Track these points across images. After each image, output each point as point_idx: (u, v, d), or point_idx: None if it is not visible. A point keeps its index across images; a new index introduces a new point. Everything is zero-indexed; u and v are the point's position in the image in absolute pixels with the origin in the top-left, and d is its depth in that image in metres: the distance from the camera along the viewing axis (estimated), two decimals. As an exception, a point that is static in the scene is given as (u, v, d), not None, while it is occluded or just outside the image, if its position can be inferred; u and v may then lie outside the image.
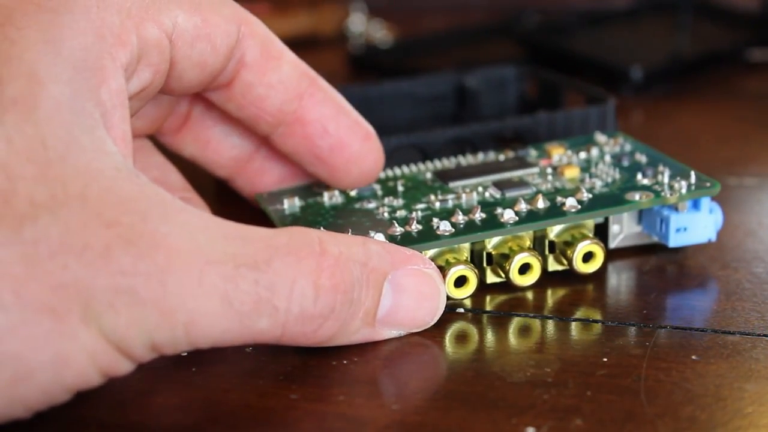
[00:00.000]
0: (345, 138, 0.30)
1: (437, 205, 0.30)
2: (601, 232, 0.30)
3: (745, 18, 0.56)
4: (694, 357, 0.25)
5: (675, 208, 0.29)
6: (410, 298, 0.26)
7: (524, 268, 0.28)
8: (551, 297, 0.28)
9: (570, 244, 0.28)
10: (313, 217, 0.30)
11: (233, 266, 0.22)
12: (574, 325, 0.27)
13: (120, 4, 0.24)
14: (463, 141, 0.36)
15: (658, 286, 0.29)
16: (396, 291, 0.25)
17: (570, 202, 0.29)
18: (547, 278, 0.29)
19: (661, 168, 0.30)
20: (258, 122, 0.29)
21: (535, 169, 0.32)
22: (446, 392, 0.24)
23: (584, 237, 0.28)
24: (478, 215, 0.28)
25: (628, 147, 0.33)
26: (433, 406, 0.23)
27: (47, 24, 0.23)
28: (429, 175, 0.32)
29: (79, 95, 0.23)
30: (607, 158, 0.32)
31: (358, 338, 0.25)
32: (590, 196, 0.29)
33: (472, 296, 0.28)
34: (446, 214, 0.29)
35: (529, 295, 0.28)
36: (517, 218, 0.28)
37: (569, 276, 0.29)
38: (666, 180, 0.30)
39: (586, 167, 0.31)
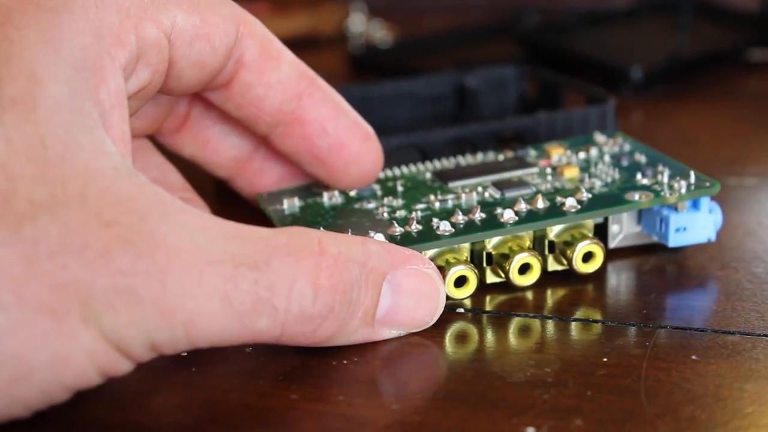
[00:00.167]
0: (344, 138, 0.30)
1: (437, 205, 0.30)
2: (601, 232, 0.30)
3: (745, 18, 0.56)
4: (694, 357, 0.25)
5: (674, 208, 0.29)
6: (409, 298, 0.26)
7: (524, 268, 0.28)
8: (551, 297, 0.28)
9: (570, 244, 0.28)
10: (312, 217, 0.30)
11: (233, 266, 0.22)
12: (574, 325, 0.27)
13: (119, 4, 0.24)
14: (463, 141, 0.36)
15: (658, 286, 0.29)
16: (395, 291, 0.25)
17: (570, 202, 0.29)
18: (547, 278, 0.29)
19: (660, 168, 0.30)
20: (257, 122, 0.29)
21: (535, 169, 0.31)
22: (446, 392, 0.24)
23: (584, 237, 0.28)
24: (478, 215, 0.28)
25: (627, 147, 0.33)
26: (433, 406, 0.23)
27: (46, 24, 0.23)
28: (429, 175, 0.32)
29: (78, 95, 0.23)
30: (607, 158, 0.32)
31: (358, 338, 0.25)
32: (590, 196, 0.29)
33: (472, 296, 0.28)
34: (446, 214, 0.29)
35: (529, 295, 0.28)
36: (516, 218, 0.28)
37: (569, 276, 0.29)
38: (665, 180, 0.30)
39: (585, 167, 0.31)
